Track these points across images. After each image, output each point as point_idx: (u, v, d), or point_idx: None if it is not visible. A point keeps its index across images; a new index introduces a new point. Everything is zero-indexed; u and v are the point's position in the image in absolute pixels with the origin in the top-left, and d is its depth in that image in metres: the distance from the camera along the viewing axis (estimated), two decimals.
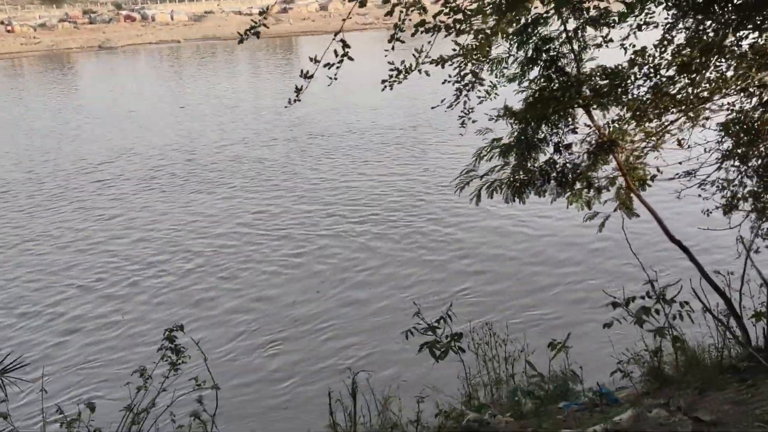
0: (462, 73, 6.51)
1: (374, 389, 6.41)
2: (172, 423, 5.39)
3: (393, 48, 5.44)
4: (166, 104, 38.51)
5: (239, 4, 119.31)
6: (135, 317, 12.30)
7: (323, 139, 26.41)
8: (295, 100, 5.47)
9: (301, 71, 5.32)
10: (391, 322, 11.08)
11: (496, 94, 7.09)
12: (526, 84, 6.95)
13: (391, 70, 6.11)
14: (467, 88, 6.62)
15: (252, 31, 5.42)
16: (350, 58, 5.27)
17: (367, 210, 17.38)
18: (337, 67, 5.28)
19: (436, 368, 9.21)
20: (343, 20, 5.28)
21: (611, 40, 7.03)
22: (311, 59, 5.31)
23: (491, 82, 6.78)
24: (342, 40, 5.21)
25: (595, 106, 6.79)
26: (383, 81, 6.26)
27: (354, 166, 22.13)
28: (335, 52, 5.31)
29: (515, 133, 6.96)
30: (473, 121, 7.02)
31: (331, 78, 5.23)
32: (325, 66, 5.25)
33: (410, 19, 5.52)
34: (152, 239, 16.23)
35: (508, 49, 6.77)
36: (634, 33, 6.79)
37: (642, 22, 6.75)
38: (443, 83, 6.79)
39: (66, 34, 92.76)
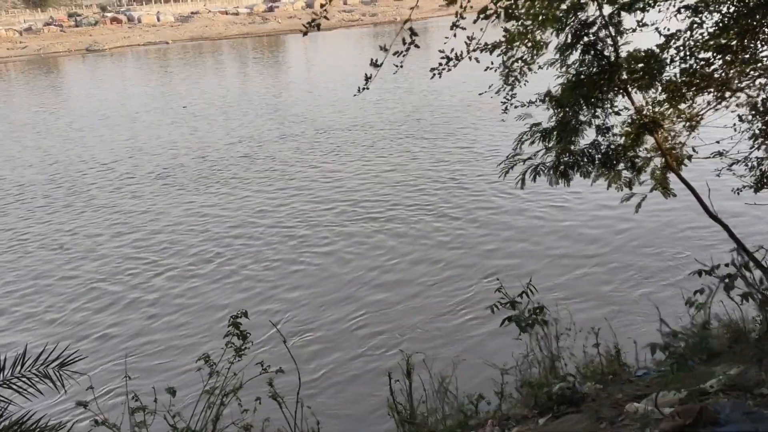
0: (511, 59, 6.67)
1: (431, 369, 6.59)
2: (253, 403, 5.55)
3: (455, 35, 5.60)
4: (167, 105, 38.53)
5: (225, 4, 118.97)
6: (173, 311, 12.41)
7: (330, 134, 26.54)
8: (364, 88, 5.62)
9: (371, 60, 5.47)
10: (442, 303, 11.31)
11: (526, 81, 7.27)
12: (563, 69, 7.14)
13: (442, 58, 6.26)
14: (515, 74, 6.79)
15: (314, 23, 5.59)
16: (417, 46, 5.42)
17: (390, 200, 17.48)
18: (404, 55, 5.43)
19: (490, 347, 9.43)
20: (411, 9, 5.40)
21: (645, 25, 7.23)
22: (381, 47, 5.46)
23: (529, 67, 6.94)
24: (411, 29, 5.35)
25: (634, 89, 6.98)
26: (432, 69, 6.41)
27: (367, 158, 22.24)
28: (403, 40, 5.46)
29: (555, 118, 7.14)
30: (515, 107, 7.19)
31: (397, 66, 5.39)
32: (394, 54, 5.39)
33: (472, 6, 5.67)
34: (176, 236, 16.30)
35: (549, 34, 6.94)
36: (670, 18, 6.98)
37: (678, 6, 6.95)
38: (485, 70, 6.95)
39: (52, 37, 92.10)
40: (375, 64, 5.46)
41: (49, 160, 26.09)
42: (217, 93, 42.70)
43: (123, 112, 37.28)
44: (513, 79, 6.88)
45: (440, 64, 6.34)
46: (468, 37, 6.15)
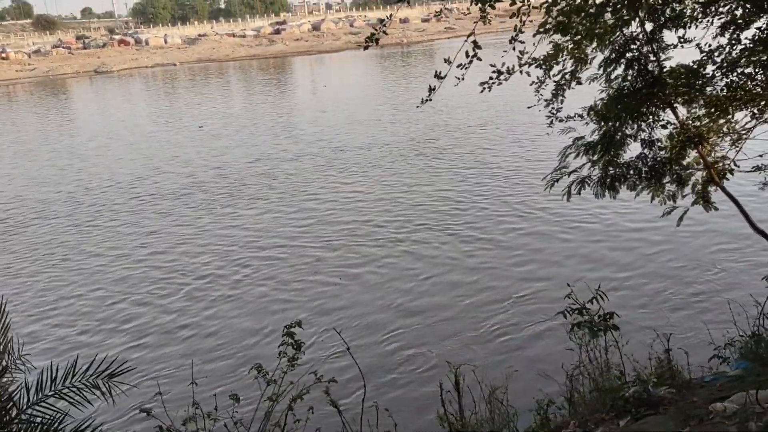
0: (560, 73, 6.78)
1: (481, 381, 6.63)
2: (307, 412, 5.58)
3: (514, 48, 5.73)
4: (183, 124, 38.84)
5: (232, 27, 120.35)
6: (208, 325, 12.46)
7: (348, 153, 26.66)
8: (427, 100, 5.75)
9: (435, 72, 5.60)
10: (488, 316, 11.37)
11: (563, 97, 7.39)
12: (607, 84, 7.26)
13: (494, 72, 6.38)
14: (563, 87, 6.90)
15: (373, 38, 5.73)
16: (479, 59, 5.55)
17: (413, 220, 17.50)
18: (466, 67, 5.55)
19: (535, 358, 9.46)
20: (475, 22, 5.53)
21: (686, 41, 7.37)
22: (445, 60, 5.59)
23: (578, 81, 7.05)
24: (474, 41, 5.48)
25: (678, 103, 7.09)
26: (482, 83, 6.53)
27: (386, 178, 22.30)
28: (466, 53, 5.59)
29: (599, 131, 7.25)
30: (560, 120, 7.30)
31: (458, 78, 5.51)
32: (458, 66, 5.51)
33: (532, 20, 5.80)
34: (204, 252, 16.33)
35: (593, 49, 7.07)
36: (715, 36, 7.11)
37: (721, 23, 7.08)
38: (530, 84, 7.07)
39: (61, 60, 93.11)
40: (439, 77, 5.59)
41: (69, 178, 26.30)
42: (231, 113, 43.10)
43: (138, 131, 37.63)
44: (561, 92, 6.99)
45: (490, 78, 6.46)
46: (520, 52, 6.28)
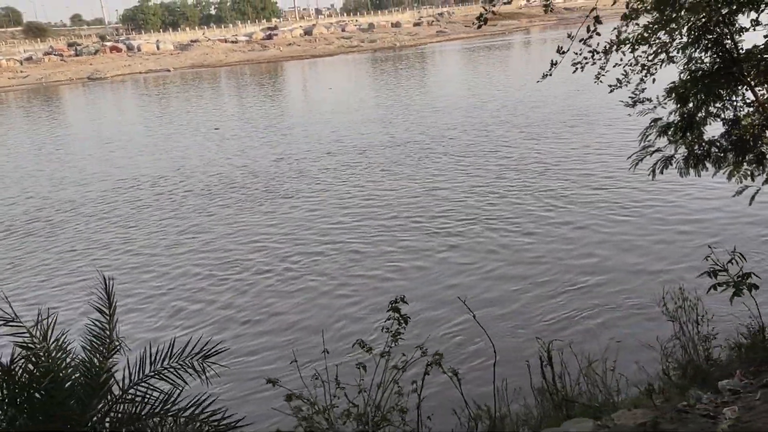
0: (648, 55, 6.99)
1: (578, 354, 6.79)
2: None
3: (627, 25, 5.93)
4: (197, 128, 38.91)
5: (224, 33, 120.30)
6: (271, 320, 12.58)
7: (369, 152, 26.71)
8: (548, 74, 5.92)
9: (558, 47, 5.78)
10: (564, 303, 11.58)
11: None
12: (687, 65, 7.47)
13: (590, 51, 6.57)
14: (652, 68, 7.10)
15: (481, 18, 5.91)
16: (598, 34, 5.73)
17: (464, 215, 17.67)
18: (587, 41, 5.74)
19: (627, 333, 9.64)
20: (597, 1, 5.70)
21: (759, 23, 7.60)
22: (569, 35, 5.77)
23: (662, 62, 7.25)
24: (596, 17, 5.67)
25: (757, 83, 7.31)
26: (575, 63, 6.72)
27: (414, 175, 22.35)
28: (588, 28, 5.77)
29: (678, 112, 7.46)
30: (642, 102, 7.50)
31: (576, 54, 5.69)
32: (580, 41, 5.69)
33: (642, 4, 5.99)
34: (255, 250, 16.35)
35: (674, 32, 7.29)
36: None
37: None
38: (614, 66, 7.27)
39: (53, 67, 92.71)
40: (560, 51, 5.76)
41: (95, 179, 26.35)
42: (242, 115, 43.36)
43: (155, 134, 37.71)
44: (646, 72, 7.19)
45: (585, 58, 6.65)
46: (616, 36, 6.48)
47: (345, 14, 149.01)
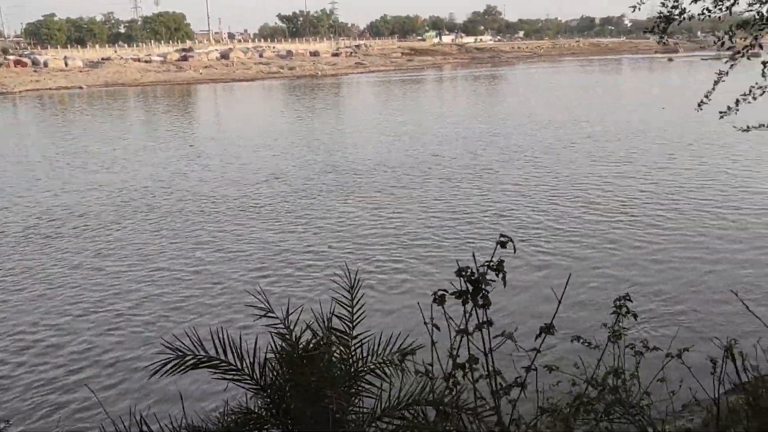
0: None
1: None
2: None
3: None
4: (169, 145, 38.05)
5: (136, 52, 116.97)
6: None
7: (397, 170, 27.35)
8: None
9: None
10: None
11: None
12: None
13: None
14: None
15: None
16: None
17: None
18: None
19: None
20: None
21: None
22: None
23: None
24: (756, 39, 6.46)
25: None
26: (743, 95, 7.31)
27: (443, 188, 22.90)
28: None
29: None
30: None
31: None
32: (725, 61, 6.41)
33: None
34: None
35: None
36: None
37: None
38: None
39: None
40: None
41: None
42: (203, 133, 43.22)
43: (125, 151, 36.02)
44: None
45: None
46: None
47: (261, 40, 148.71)
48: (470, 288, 3.45)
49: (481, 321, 3.58)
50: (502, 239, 3.59)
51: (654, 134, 34.43)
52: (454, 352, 3.98)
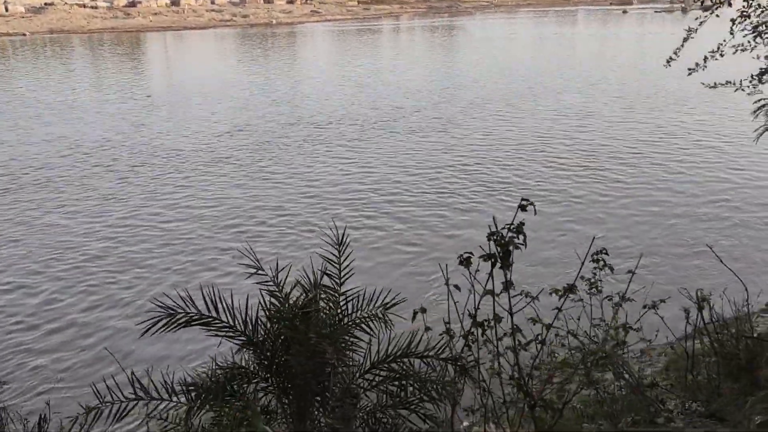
0: None
1: None
2: None
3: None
4: (127, 95, 36.68)
5: None
6: None
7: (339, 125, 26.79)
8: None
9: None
10: None
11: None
12: None
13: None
14: None
15: None
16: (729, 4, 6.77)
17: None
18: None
19: None
20: None
21: None
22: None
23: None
24: None
25: None
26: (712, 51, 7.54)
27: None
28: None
29: None
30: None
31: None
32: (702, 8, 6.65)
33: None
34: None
35: None
36: None
37: None
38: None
39: None
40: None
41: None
42: (160, 84, 42.50)
43: (80, 102, 34.75)
44: None
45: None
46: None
47: None
48: (499, 251, 3.64)
49: (506, 281, 3.79)
50: (523, 203, 3.77)
51: (613, 87, 35.04)
52: (471, 312, 4.20)
